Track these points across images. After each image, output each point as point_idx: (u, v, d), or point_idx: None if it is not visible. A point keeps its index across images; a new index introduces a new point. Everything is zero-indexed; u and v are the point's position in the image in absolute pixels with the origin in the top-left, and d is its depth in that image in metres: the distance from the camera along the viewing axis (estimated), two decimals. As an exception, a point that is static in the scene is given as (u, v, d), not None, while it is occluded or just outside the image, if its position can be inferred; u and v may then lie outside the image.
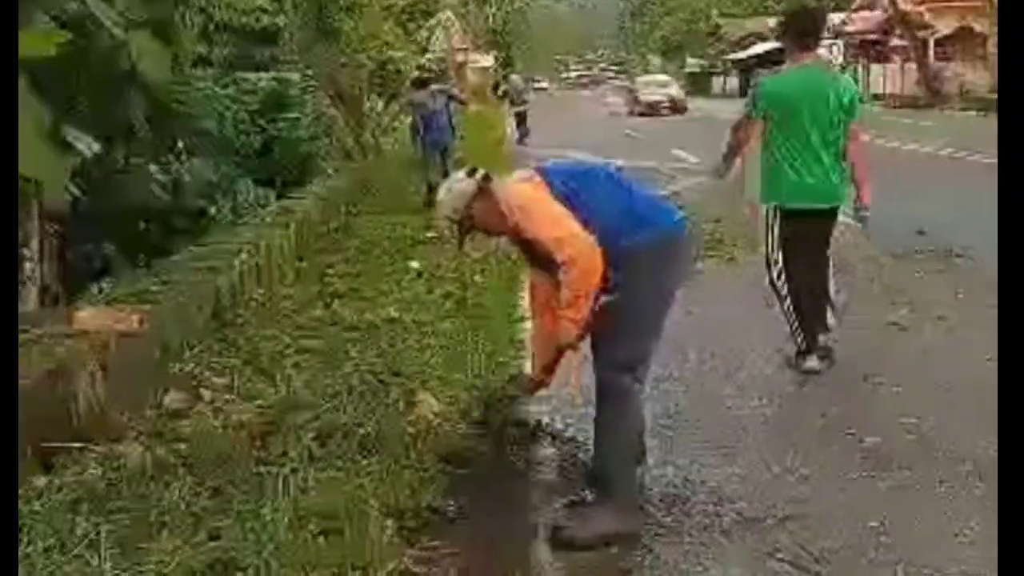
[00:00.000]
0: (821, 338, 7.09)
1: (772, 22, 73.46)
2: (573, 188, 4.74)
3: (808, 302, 7.08)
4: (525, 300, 5.84)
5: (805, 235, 7.04)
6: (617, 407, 4.80)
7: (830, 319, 7.24)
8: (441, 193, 5.04)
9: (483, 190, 4.85)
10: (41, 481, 4.51)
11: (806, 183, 6.89)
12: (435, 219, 5.40)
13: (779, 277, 7.20)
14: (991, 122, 13.45)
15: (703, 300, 8.79)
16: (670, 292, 4.90)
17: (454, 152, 17.06)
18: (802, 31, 7.16)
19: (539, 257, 4.84)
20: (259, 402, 5.87)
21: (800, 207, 6.94)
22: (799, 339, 7.12)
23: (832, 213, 7.13)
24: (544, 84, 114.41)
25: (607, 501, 4.72)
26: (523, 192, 4.78)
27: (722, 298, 9.25)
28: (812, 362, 7.02)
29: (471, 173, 4.97)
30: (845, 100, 6.94)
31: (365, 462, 5.00)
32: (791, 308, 7.14)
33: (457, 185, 4.96)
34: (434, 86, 17.61)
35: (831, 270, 7.35)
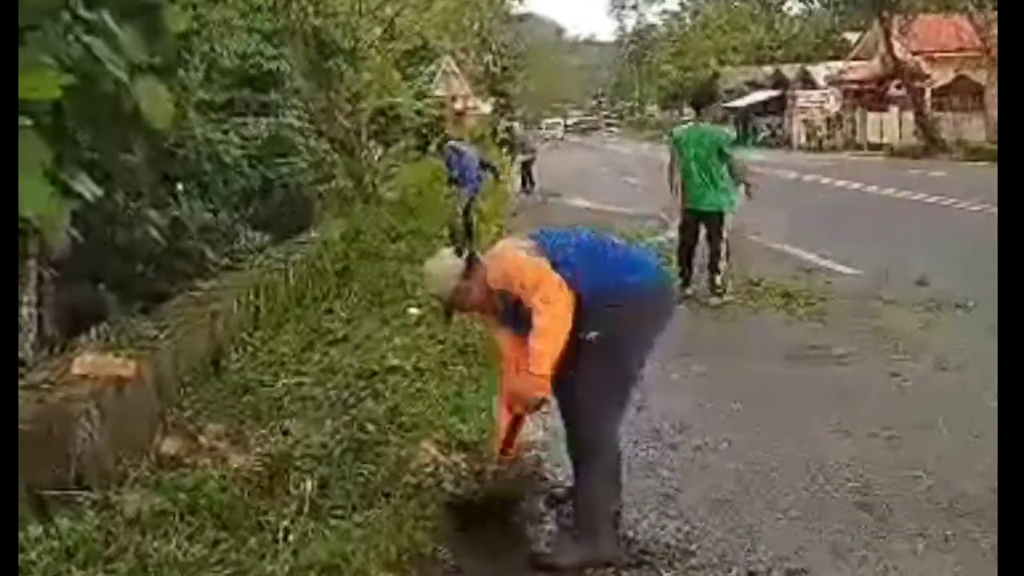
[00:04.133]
0: (714, 299, 11.16)
1: (769, 70, 74.33)
2: (563, 253, 4.89)
3: (686, 261, 11.51)
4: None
5: (694, 222, 11.43)
6: (596, 451, 4.94)
7: (717, 281, 11.21)
8: (429, 272, 5.21)
9: (470, 269, 4.99)
10: (37, 530, 4.44)
11: (692, 194, 11.30)
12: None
13: (675, 241, 12.02)
14: (989, 172, 13.52)
15: (709, 350, 8.82)
16: (649, 343, 5.06)
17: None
18: (695, 102, 12.69)
19: (519, 322, 4.92)
20: (257, 450, 5.80)
21: (689, 207, 11.41)
22: (681, 277, 11.26)
23: (710, 214, 11.24)
24: (558, 131, 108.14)
25: (587, 532, 4.90)
26: (509, 253, 4.96)
27: (727, 350, 9.21)
28: (687, 291, 11.21)
29: (458, 253, 5.14)
30: (719, 145, 11.20)
31: (366, 512, 4.93)
32: (677, 260, 11.50)
33: (443, 264, 5.12)
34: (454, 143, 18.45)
35: (722, 253, 11.21)
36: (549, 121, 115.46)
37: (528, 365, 4.72)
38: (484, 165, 18.97)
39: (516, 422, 5.21)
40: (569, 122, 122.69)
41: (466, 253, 5.08)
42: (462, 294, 5.00)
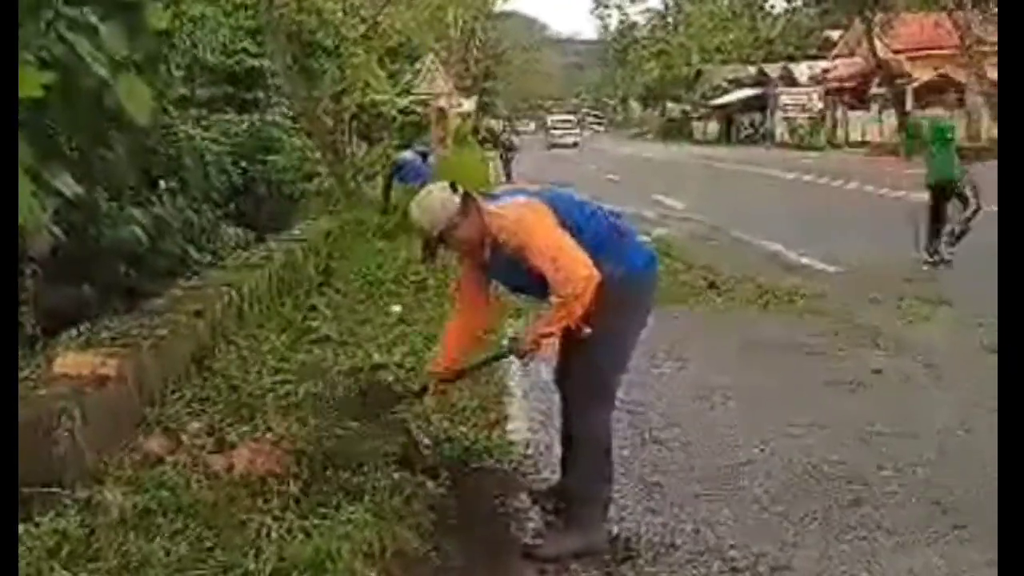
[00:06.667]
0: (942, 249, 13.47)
1: (752, 68, 74.47)
2: (570, 217, 4.83)
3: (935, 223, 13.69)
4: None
5: (936, 192, 13.75)
6: (590, 435, 4.97)
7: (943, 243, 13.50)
8: (419, 204, 4.97)
9: (467, 206, 4.85)
10: (19, 529, 4.41)
11: (932, 168, 13.87)
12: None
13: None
14: (971, 170, 13.69)
15: (693, 347, 8.85)
16: (642, 325, 5.07)
17: None
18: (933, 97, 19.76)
19: (510, 272, 4.94)
20: (241, 448, 5.77)
21: (929, 182, 13.88)
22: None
23: (944, 182, 13.68)
24: (570, 131, 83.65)
25: (575, 520, 4.95)
26: (526, 217, 4.80)
27: (711, 346, 9.23)
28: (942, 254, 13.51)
29: (454, 188, 4.94)
30: (949, 130, 14.12)
31: (350, 509, 4.91)
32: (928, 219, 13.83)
33: (439, 196, 4.92)
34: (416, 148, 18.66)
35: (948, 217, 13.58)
36: (556, 118, 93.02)
37: (538, 327, 4.79)
38: (425, 156, 19.11)
39: (468, 372, 5.34)
40: (552, 119, 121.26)
41: (462, 189, 4.93)
42: (454, 230, 4.83)
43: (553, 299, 4.73)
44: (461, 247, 5.03)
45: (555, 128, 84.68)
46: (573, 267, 4.59)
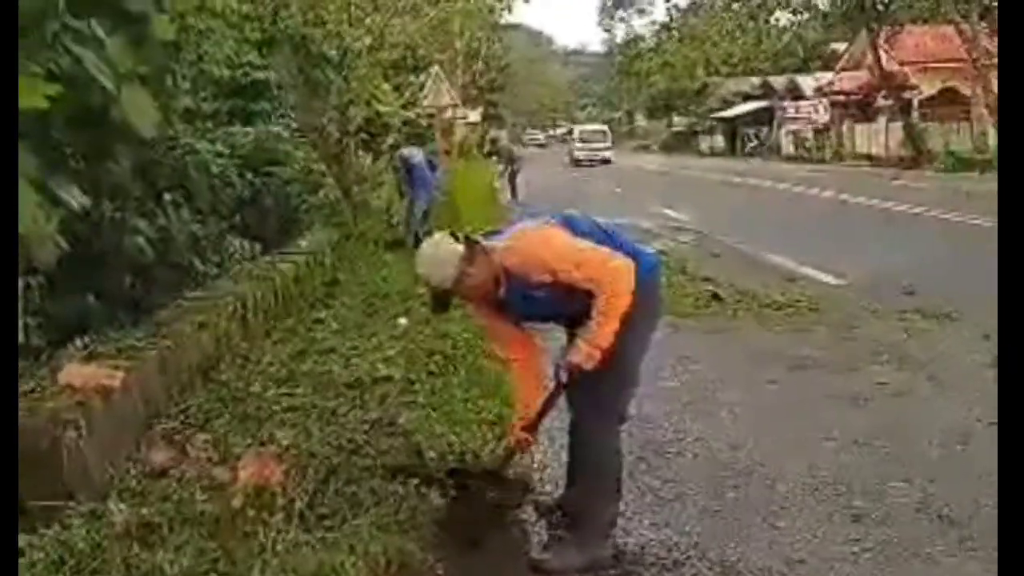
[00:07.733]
0: None
1: (757, 81, 74.46)
2: (578, 229, 4.84)
3: None
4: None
5: None
6: (601, 450, 4.95)
7: None
8: (425, 260, 4.86)
9: (472, 252, 4.78)
10: (23, 540, 4.41)
11: None
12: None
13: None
14: (976, 183, 13.63)
15: (698, 361, 8.84)
16: (652, 330, 5.04)
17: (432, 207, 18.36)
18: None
19: (530, 306, 4.88)
20: (246, 460, 5.77)
21: None
22: None
23: None
24: (606, 148, 68.29)
25: (581, 534, 4.94)
26: (537, 238, 4.84)
27: (715, 360, 9.22)
28: None
29: (455, 236, 4.89)
30: None
31: (355, 522, 4.91)
32: None
33: (444, 248, 4.83)
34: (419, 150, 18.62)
35: None
36: (585, 128, 78.09)
37: (590, 338, 4.62)
38: (432, 166, 18.87)
39: (543, 411, 5.09)
40: (558, 132, 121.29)
41: (462, 236, 4.87)
42: (465, 279, 4.73)
43: (596, 303, 4.60)
44: (474, 293, 4.93)
45: (582, 139, 70.71)
46: (605, 262, 4.61)
